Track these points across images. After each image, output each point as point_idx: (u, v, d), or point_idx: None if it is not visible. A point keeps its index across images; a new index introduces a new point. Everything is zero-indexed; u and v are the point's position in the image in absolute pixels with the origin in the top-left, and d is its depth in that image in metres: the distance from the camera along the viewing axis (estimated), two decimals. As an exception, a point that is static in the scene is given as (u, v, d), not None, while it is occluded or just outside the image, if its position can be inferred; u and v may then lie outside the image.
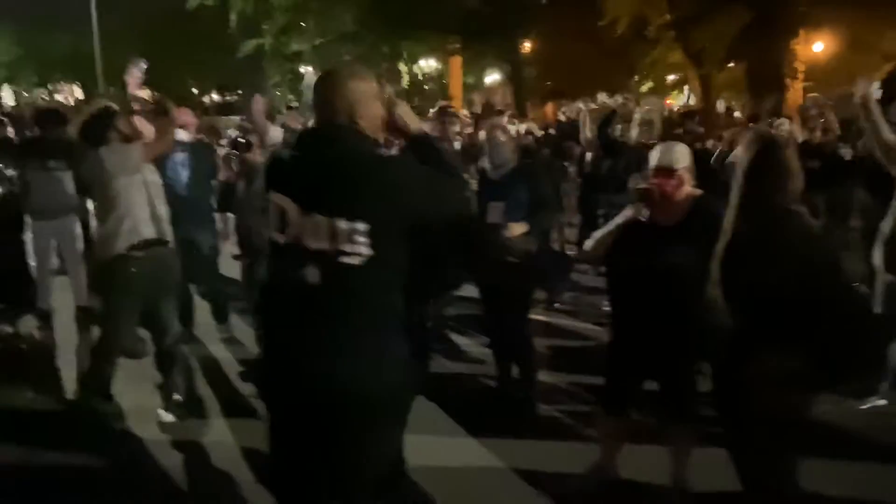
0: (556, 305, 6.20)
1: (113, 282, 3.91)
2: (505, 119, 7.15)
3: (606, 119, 6.43)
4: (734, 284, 2.55)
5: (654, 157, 3.12)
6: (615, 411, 3.30)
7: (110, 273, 3.90)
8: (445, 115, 5.60)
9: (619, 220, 3.16)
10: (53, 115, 5.90)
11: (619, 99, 7.55)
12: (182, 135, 5.01)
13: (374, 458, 2.10)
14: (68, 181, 5.49)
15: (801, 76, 15.36)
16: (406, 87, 26.40)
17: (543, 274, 4.67)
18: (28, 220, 5.72)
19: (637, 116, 6.14)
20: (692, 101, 19.18)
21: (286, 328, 2.07)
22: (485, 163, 4.35)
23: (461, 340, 5.44)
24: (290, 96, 23.35)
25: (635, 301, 3.12)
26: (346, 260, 1.98)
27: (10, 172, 6.04)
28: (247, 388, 4.53)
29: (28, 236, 5.77)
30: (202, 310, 5.49)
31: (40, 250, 5.69)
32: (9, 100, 29.01)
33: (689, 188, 3.09)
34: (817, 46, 17.80)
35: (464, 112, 19.16)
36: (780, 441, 2.50)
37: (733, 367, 2.57)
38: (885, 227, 4.05)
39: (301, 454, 2.10)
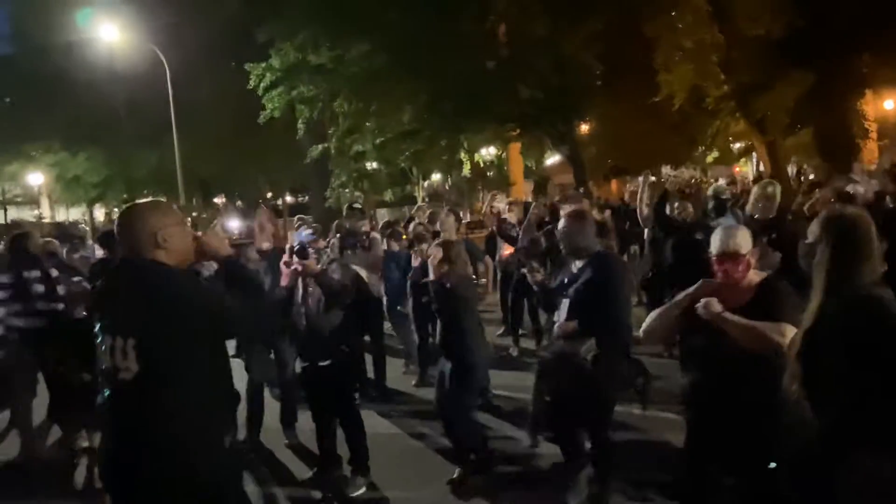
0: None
1: None
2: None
3: (662, 196, 6.31)
4: (819, 376, 2.38)
5: (717, 242, 3.03)
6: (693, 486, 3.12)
7: None
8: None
9: (677, 300, 3.06)
10: None
11: (682, 172, 7.41)
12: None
13: None
14: None
15: (873, 135, 14.90)
16: (468, 175, 26.99)
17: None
18: None
19: (756, 190, 5.78)
20: (761, 168, 18.79)
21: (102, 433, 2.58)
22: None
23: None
24: (357, 193, 24.18)
25: (707, 389, 2.99)
26: (121, 376, 2.34)
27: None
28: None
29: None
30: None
31: None
32: (100, 217, 31.14)
33: (753, 271, 3.01)
34: (888, 104, 17.32)
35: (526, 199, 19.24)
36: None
37: (819, 467, 2.36)
38: None
39: None
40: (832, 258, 2.41)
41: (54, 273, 5.35)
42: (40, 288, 5.22)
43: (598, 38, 15.07)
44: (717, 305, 2.86)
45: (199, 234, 2.62)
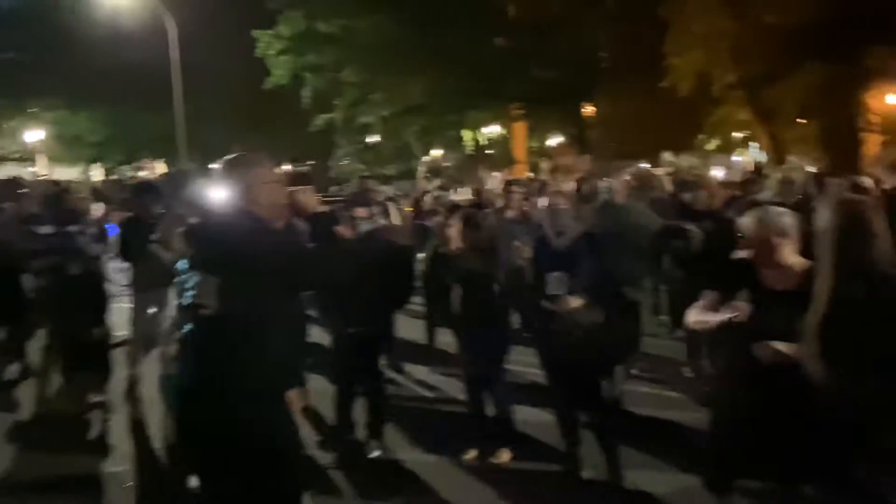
0: (633, 372, 6.06)
1: None
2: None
3: (681, 184, 6.37)
4: (837, 353, 2.49)
5: (743, 225, 3.05)
6: (720, 486, 3.18)
7: None
8: (511, 186, 6.09)
9: (726, 316, 2.98)
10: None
11: (685, 158, 7.42)
12: None
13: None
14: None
15: (877, 129, 14.95)
16: (471, 152, 26.89)
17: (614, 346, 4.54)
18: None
19: (777, 175, 5.89)
20: (761, 158, 18.85)
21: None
22: (545, 231, 4.24)
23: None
24: (361, 166, 24.11)
25: (750, 370, 2.98)
26: (202, 311, 2.49)
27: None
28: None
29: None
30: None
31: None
32: (98, 176, 30.98)
33: (794, 255, 2.96)
34: (891, 98, 17.34)
35: (529, 175, 19.36)
36: None
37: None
38: None
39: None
40: (841, 241, 2.54)
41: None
42: (82, 241, 5.51)
43: (611, 19, 15.01)
44: (771, 349, 2.82)
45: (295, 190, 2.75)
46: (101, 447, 5.04)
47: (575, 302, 3.95)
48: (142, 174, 29.41)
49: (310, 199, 2.76)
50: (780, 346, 2.79)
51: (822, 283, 2.56)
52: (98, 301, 5.74)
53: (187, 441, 2.64)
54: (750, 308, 2.91)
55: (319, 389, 5.26)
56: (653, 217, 5.03)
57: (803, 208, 4.88)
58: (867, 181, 6.35)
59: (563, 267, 4.02)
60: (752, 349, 2.87)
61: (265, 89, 17.70)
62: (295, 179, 3.13)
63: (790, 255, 2.95)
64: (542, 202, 4.34)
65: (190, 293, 2.54)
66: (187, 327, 2.59)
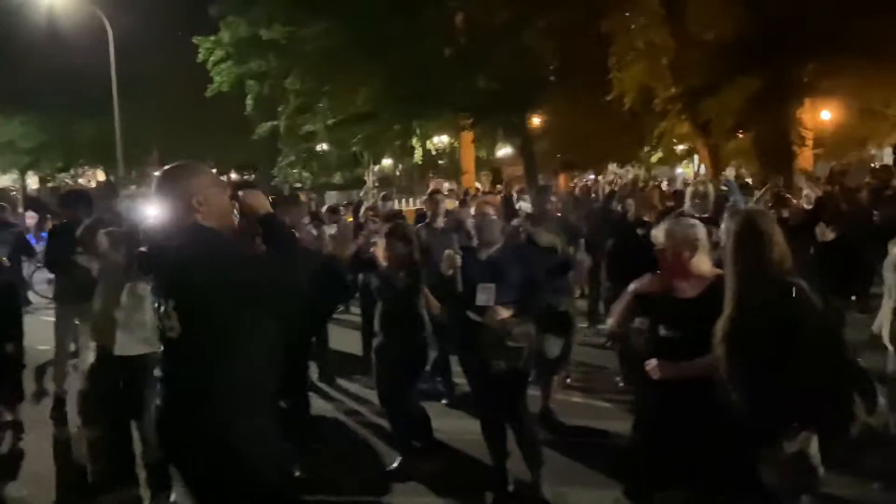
0: (569, 381, 6.07)
1: None
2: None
3: (608, 195, 6.45)
4: (745, 360, 2.57)
5: (668, 234, 3.10)
6: (639, 496, 3.19)
7: None
8: (434, 196, 6.18)
9: (630, 290, 3.14)
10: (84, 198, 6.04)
11: (629, 170, 7.55)
12: None
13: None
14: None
15: (809, 143, 15.46)
16: (419, 162, 26.91)
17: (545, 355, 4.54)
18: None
19: (690, 189, 6.03)
20: (702, 171, 19.32)
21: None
22: (473, 242, 4.23)
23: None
24: (305, 174, 23.84)
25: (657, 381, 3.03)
26: (168, 334, 2.44)
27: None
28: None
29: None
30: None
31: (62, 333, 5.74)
32: (33, 185, 29.88)
33: (705, 264, 3.05)
34: (825, 114, 18.00)
35: (478, 185, 19.36)
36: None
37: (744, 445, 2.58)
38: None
39: None
40: (739, 250, 2.70)
41: None
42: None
43: (556, 32, 15.20)
44: (659, 370, 2.95)
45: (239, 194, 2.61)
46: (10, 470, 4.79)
47: (504, 312, 3.90)
48: (81, 181, 28.47)
49: (259, 200, 2.57)
50: (669, 366, 2.92)
51: (727, 290, 2.66)
52: (9, 314, 5.45)
53: (171, 460, 2.66)
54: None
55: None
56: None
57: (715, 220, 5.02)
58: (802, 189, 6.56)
59: (492, 278, 3.97)
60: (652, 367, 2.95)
61: (208, 97, 17.32)
62: (241, 187, 3.03)
63: (701, 264, 3.02)
64: (470, 212, 4.29)
65: (156, 316, 2.50)
66: (160, 350, 2.54)
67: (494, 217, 4.17)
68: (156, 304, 2.51)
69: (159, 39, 21.21)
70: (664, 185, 16.95)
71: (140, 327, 3.99)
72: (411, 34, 14.88)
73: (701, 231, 3.06)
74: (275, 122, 18.32)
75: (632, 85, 14.89)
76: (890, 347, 4.19)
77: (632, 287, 3.14)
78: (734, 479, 2.81)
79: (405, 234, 4.47)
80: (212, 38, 16.46)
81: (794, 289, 2.57)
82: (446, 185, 17.66)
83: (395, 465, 4.46)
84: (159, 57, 21.26)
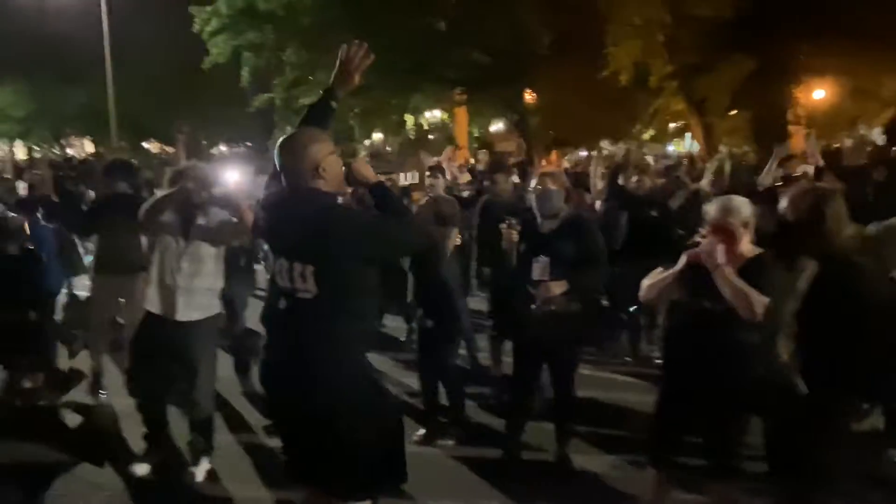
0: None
1: None
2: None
3: (616, 169, 6.51)
4: (812, 335, 2.69)
5: (710, 211, 3.18)
6: (661, 462, 3.33)
7: None
8: (435, 170, 6.31)
9: (678, 267, 3.18)
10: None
11: (622, 147, 7.53)
12: None
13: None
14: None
15: (803, 122, 15.59)
16: (412, 137, 26.80)
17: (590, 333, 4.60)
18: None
19: (710, 164, 6.07)
20: (695, 148, 19.41)
21: (273, 342, 2.72)
22: (532, 214, 4.19)
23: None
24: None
25: (692, 349, 3.14)
26: (300, 295, 2.53)
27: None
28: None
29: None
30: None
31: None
32: (21, 154, 29.51)
33: (747, 243, 3.12)
34: (818, 94, 18.09)
35: (472, 161, 19.39)
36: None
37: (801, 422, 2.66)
38: None
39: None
40: (811, 227, 2.73)
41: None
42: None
43: (552, 5, 15.14)
44: (721, 255, 2.99)
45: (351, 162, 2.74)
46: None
47: (558, 288, 3.93)
48: (69, 151, 28.11)
49: (367, 169, 2.71)
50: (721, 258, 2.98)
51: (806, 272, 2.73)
52: (29, 282, 5.50)
53: (278, 420, 2.82)
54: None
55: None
56: None
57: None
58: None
59: (547, 252, 4.01)
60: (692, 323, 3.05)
61: (203, 68, 17.12)
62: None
63: (745, 243, 3.11)
64: (532, 184, 4.33)
65: (280, 277, 2.57)
66: (274, 309, 2.63)
67: (556, 189, 4.11)
68: (280, 266, 2.58)
69: (154, 7, 20.89)
70: (651, 161, 17.00)
71: (200, 293, 4.00)
72: (406, 7, 14.78)
73: (751, 210, 3.15)
74: (270, 95, 18.17)
75: (627, 62, 14.90)
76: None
77: (684, 257, 3.16)
78: (784, 452, 2.94)
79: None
80: (208, 8, 16.24)
81: (862, 266, 2.65)
82: (436, 159, 17.59)
83: (415, 437, 4.54)
84: (154, 26, 20.94)
